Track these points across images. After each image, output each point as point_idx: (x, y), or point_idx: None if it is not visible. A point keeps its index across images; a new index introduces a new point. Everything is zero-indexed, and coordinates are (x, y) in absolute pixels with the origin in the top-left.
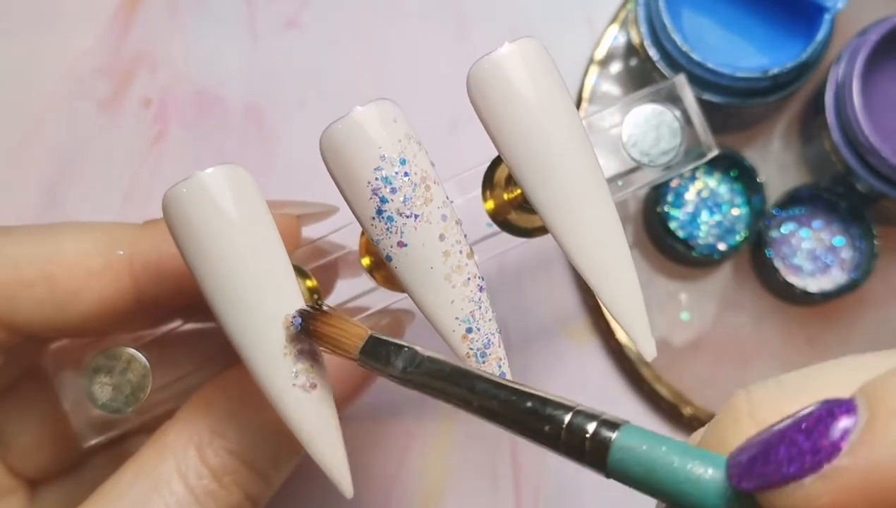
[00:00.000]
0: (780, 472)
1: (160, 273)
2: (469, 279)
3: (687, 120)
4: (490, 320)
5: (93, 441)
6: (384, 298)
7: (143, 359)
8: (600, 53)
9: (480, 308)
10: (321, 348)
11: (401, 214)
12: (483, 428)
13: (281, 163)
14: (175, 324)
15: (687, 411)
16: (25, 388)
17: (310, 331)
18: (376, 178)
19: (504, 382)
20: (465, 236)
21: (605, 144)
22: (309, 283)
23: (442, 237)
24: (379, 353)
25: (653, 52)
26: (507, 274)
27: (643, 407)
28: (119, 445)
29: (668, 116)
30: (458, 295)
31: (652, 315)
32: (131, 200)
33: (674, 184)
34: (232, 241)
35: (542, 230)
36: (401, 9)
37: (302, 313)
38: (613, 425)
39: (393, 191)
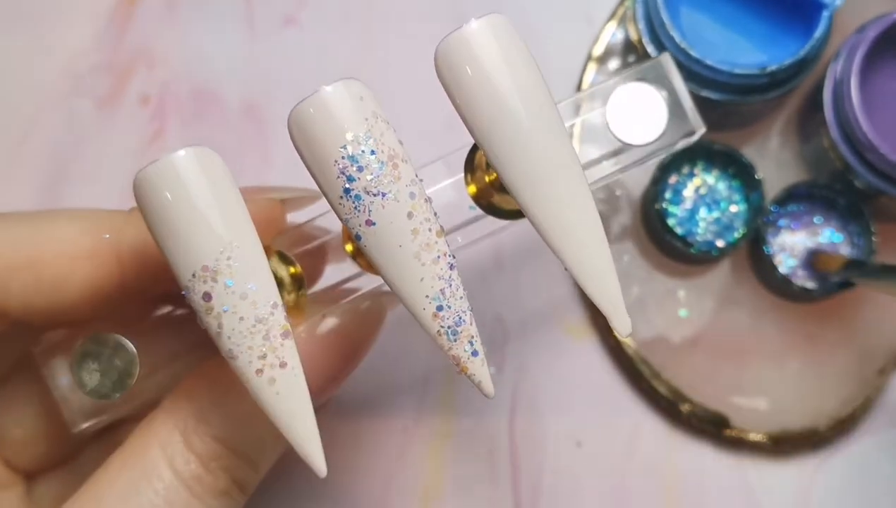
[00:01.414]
0: None
1: (146, 258)
2: (439, 257)
3: (674, 99)
4: (461, 298)
5: (83, 426)
6: (371, 282)
7: (131, 345)
8: (598, 50)
9: (451, 285)
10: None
11: (368, 192)
12: (482, 425)
13: (279, 161)
14: (163, 311)
15: (685, 408)
16: (17, 381)
17: None
18: (343, 157)
19: None
20: (436, 214)
21: (590, 125)
22: (293, 270)
23: (410, 215)
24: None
25: (651, 49)
26: (504, 271)
27: (641, 404)
28: (114, 435)
29: (653, 95)
30: (427, 272)
31: (650, 312)
32: (130, 198)
33: (672, 180)
34: (201, 222)
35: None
36: (399, 6)
37: None
38: None
39: (360, 169)
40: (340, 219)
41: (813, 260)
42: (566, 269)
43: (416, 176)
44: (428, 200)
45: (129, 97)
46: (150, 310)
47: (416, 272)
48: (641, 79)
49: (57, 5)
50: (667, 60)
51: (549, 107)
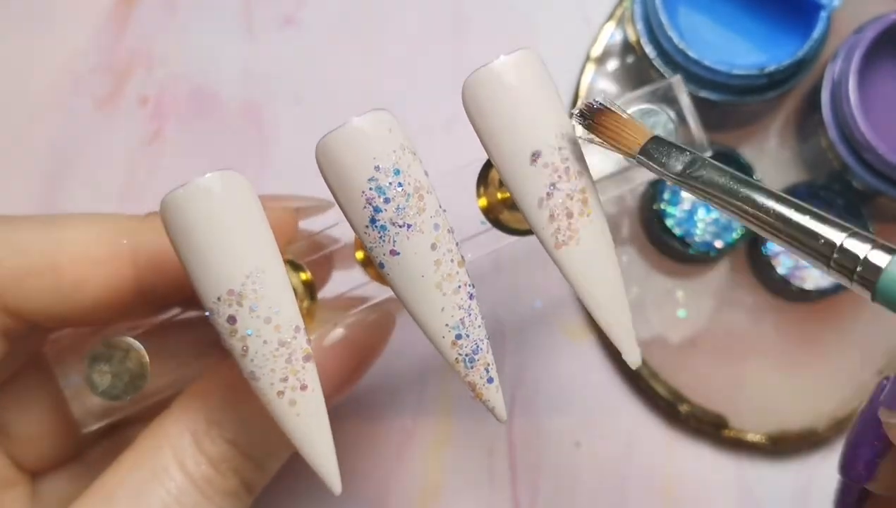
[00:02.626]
0: None
1: (162, 263)
2: (459, 287)
3: (682, 119)
4: (479, 327)
5: (93, 427)
6: (379, 290)
7: (142, 348)
8: (597, 51)
9: (470, 315)
10: (601, 143)
11: (394, 224)
12: (480, 426)
13: (278, 161)
14: (174, 313)
15: (683, 408)
16: (28, 379)
17: (591, 126)
18: (370, 188)
19: (783, 196)
20: (457, 244)
21: (598, 145)
22: (304, 277)
23: (434, 246)
24: (658, 154)
25: (649, 50)
26: (504, 272)
27: (640, 405)
28: (120, 435)
29: (661, 117)
30: (448, 302)
31: (648, 312)
32: (128, 198)
33: (670, 182)
34: (227, 246)
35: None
36: (398, 6)
37: (586, 106)
38: (888, 250)
39: (386, 201)
40: (365, 247)
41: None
42: (579, 299)
43: (440, 207)
44: (450, 231)
45: (127, 98)
46: (162, 313)
47: (438, 302)
48: (651, 101)
49: (55, 6)
50: (678, 83)
51: (570, 141)
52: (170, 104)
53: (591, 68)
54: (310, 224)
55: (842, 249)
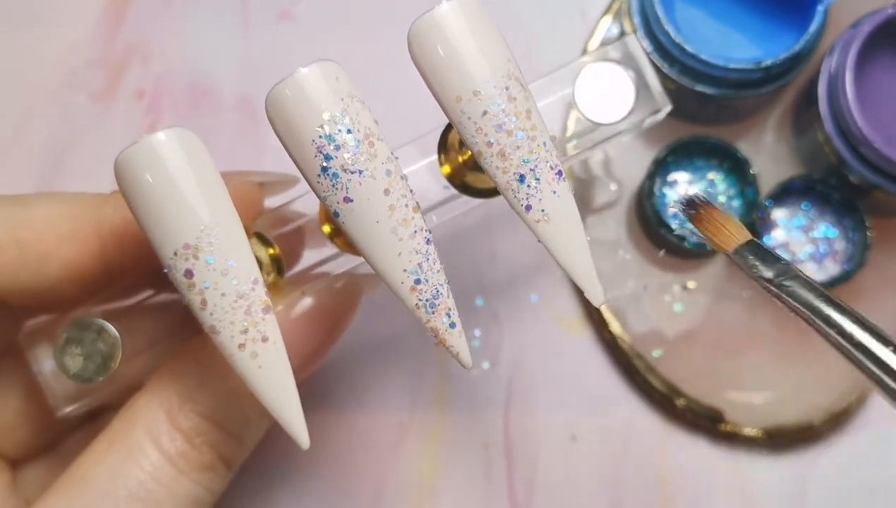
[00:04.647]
0: None
1: (127, 238)
2: (416, 232)
3: (640, 78)
4: (438, 271)
5: (66, 410)
6: (349, 263)
7: (113, 329)
8: (593, 45)
9: (428, 260)
10: (698, 232)
11: (345, 170)
12: (477, 422)
13: (274, 155)
14: (145, 295)
15: (680, 402)
16: (3, 367)
17: (693, 217)
18: (320, 136)
19: (867, 322)
20: (412, 191)
21: (559, 105)
22: (271, 252)
23: (387, 192)
24: (753, 257)
25: (646, 44)
26: (499, 266)
27: (636, 399)
28: (97, 422)
29: (621, 75)
30: (404, 247)
31: (645, 306)
32: None
33: (667, 176)
34: (181, 200)
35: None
36: (393, 1)
37: (694, 197)
38: None
39: (337, 148)
40: (318, 197)
41: (691, 208)
42: (539, 242)
43: (392, 154)
44: (404, 177)
45: (123, 91)
46: (134, 295)
47: (394, 247)
48: (608, 59)
49: (51, 1)
50: (632, 41)
51: (518, 83)
52: (166, 98)
53: None
54: (278, 201)
55: None
